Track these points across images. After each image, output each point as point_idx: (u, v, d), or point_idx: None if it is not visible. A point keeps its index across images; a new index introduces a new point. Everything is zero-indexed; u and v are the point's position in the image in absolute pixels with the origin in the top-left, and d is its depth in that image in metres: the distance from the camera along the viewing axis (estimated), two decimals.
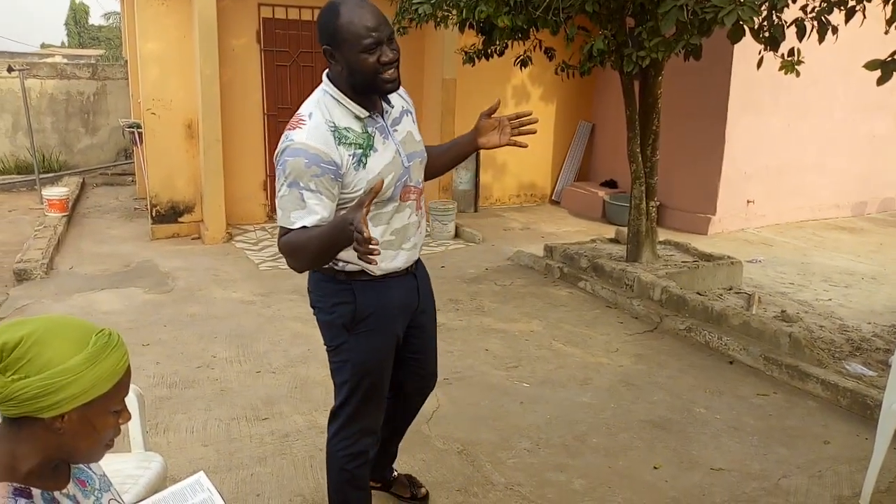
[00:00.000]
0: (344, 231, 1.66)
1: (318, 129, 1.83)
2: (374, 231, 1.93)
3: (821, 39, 4.26)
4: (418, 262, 2.20)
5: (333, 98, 1.90)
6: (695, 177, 7.39)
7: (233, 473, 2.85)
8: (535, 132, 2.11)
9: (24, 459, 1.14)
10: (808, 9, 4.35)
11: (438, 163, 2.27)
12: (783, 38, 4.34)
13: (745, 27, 3.84)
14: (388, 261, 2.03)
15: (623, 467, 2.98)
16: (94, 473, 1.33)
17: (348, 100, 1.89)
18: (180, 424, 3.27)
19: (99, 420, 1.17)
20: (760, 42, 4.49)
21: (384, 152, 1.93)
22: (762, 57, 4.60)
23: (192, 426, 3.26)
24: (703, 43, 4.40)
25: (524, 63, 5.76)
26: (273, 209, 7.54)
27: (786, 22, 4.34)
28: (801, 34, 4.31)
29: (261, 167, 7.43)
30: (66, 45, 31.48)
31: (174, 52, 6.81)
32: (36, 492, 1.14)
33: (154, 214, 7.04)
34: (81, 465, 1.30)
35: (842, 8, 4.32)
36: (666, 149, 6.09)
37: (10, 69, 9.50)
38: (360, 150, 1.87)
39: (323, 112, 1.87)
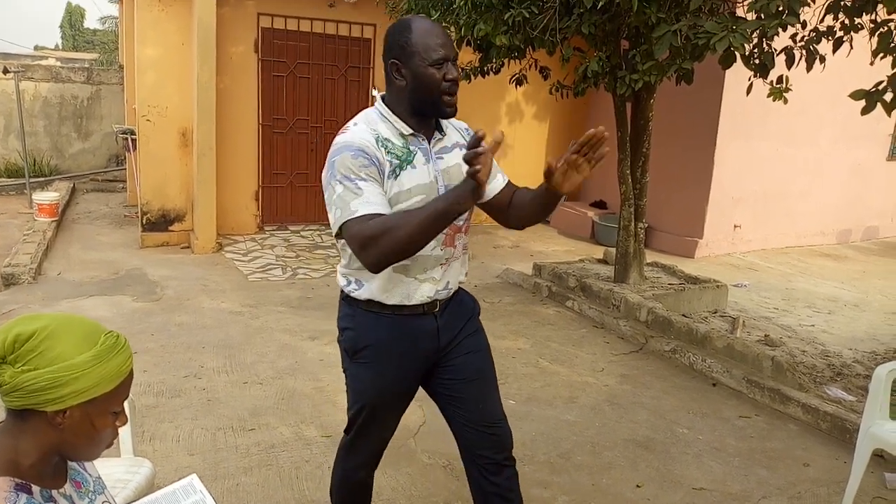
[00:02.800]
0: (466, 184, 1.63)
1: (362, 131, 1.86)
2: None
3: (809, 68, 4.37)
4: (448, 304, 2.01)
5: (381, 114, 1.92)
6: (683, 200, 7.49)
7: (218, 483, 2.85)
8: (607, 151, 1.75)
9: (26, 455, 1.17)
10: (798, 38, 4.47)
11: (522, 213, 2.00)
12: (772, 65, 4.45)
13: (737, 53, 3.94)
14: (398, 289, 1.92)
15: (606, 485, 3.01)
16: (90, 475, 1.35)
17: (395, 117, 1.90)
18: (167, 433, 3.27)
19: (99, 419, 1.20)
20: (750, 68, 4.60)
21: (421, 173, 1.89)
22: (752, 83, 4.71)
23: (179, 435, 3.26)
24: (695, 68, 4.51)
25: (519, 82, 5.86)
26: (264, 220, 7.57)
27: (775, 50, 4.45)
28: (790, 62, 4.42)
29: (253, 177, 7.45)
30: (61, 47, 31.41)
31: (172, 58, 6.84)
32: (35, 488, 1.16)
33: (144, 222, 7.03)
34: (77, 468, 1.32)
35: (830, 38, 4.44)
36: (655, 171, 6.18)
37: (5, 71, 9.48)
38: (398, 162, 1.86)
39: (368, 122, 1.91)
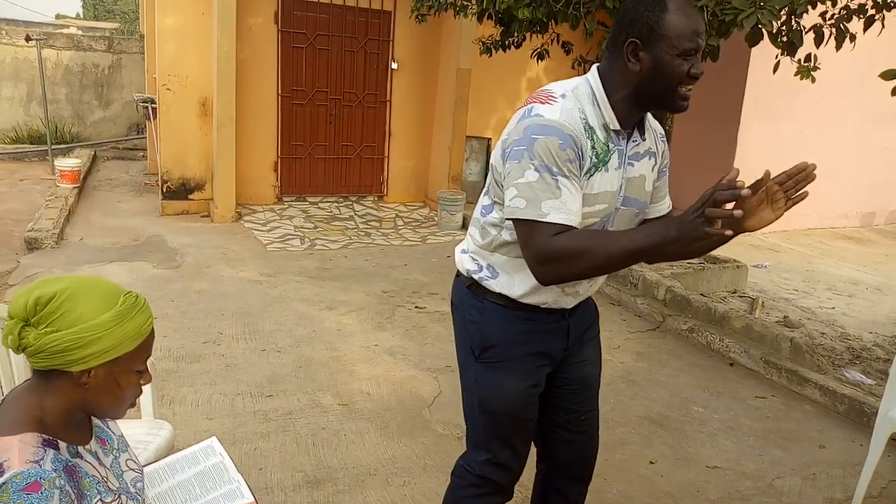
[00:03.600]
0: (692, 224, 1.37)
1: (571, 112, 1.55)
2: None
3: (838, 47, 4.26)
4: (579, 307, 1.83)
5: (593, 92, 1.60)
6: (705, 179, 7.36)
7: (236, 447, 2.90)
8: (807, 194, 1.57)
9: (51, 412, 1.19)
10: (828, 15, 4.36)
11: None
12: (801, 43, 4.34)
13: (764, 31, 3.85)
14: (539, 294, 1.70)
15: (620, 461, 3.02)
16: (114, 434, 1.38)
17: (608, 105, 1.59)
18: (186, 397, 3.33)
19: (123, 378, 1.23)
20: (778, 46, 4.49)
21: (612, 178, 1.62)
22: (779, 61, 4.61)
23: (198, 399, 3.32)
24: (721, 46, 4.41)
25: (541, 56, 5.77)
26: (282, 191, 7.59)
27: (804, 27, 4.34)
28: (818, 40, 4.31)
29: (272, 148, 7.46)
30: (82, 16, 31.45)
31: (192, 28, 6.83)
32: (62, 444, 1.19)
33: (165, 190, 7.08)
34: (102, 426, 1.35)
35: (861, 16, 4.32)
36: (677, 150, 6.11)
37: (27, 38, 9.53)
38: (596, 161, 1.57)
39: (577, 99, 1.58)
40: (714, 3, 3.91)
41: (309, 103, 7.54)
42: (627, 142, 1.65)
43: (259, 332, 4.18)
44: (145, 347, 1.25)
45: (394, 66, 7.76)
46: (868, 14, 4.29)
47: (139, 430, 2.18)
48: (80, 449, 1.24)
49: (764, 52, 5.10)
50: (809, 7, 3.83)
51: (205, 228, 6.62)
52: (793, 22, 4.36)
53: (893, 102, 4.50)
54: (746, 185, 1.42)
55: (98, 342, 1.16)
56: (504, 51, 5.73)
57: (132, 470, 1.36)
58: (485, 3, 4.97)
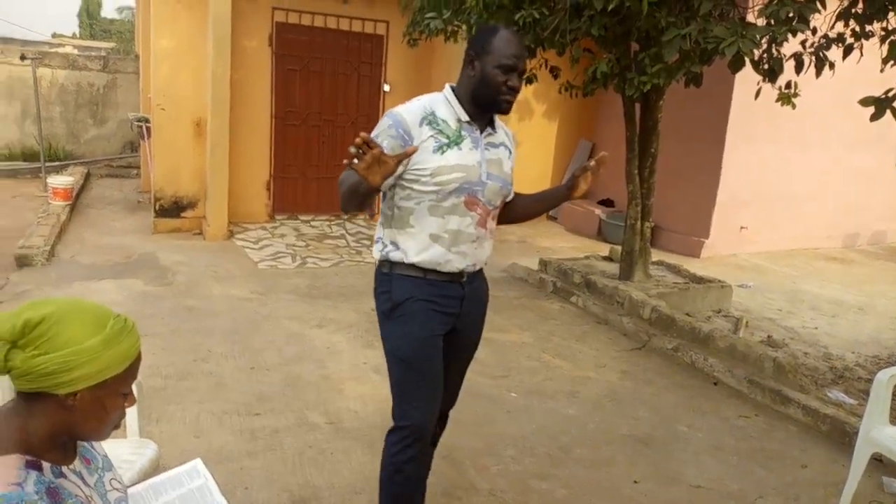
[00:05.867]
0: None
1: (414, 107, 2.10)
2: (429, 221, 2.10)
3: (818, 74, 4.39)
4: (473, 279, 2.24)
5: (445, 98, 2.15)
6: (690, 200, 7.51)
7: (223, 466, 2.92)
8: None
9: (36, 434, 1.20)
10: (808, 44, 4.48)
11: (531, 210, 2.46)
12: (781, 70, 4.46)
13: (746, 58, 3.96)
14: (431, 254, 2.11)
15: (604, 480, 3.05)
16: (98, 454, 1.39)
17: (458, 103, 2.12)
18: (173, 415, 3.34)
19: (109, 400, 1.24)
20: (760, 73, 4.62)
21: (467, 155, 2.10)
22: (760, 88, 4.72)
23: (185, 417, 3.33)
24: (705, 70, 4.53)
25: (529, 80, 5.87)
26: (275, 209, 7.64)
27: (785, 55, 4.46)
28: (799, 68, 4.43)
29: (265, 168, 7.52)
30: (78, 36, 31.60)
31: (187, 49, 6.91)
32: (46, 465, 1.20)
33: (157, 208, 7.12)
34: (87, 445, 1.36)
35: (840, 45, 4.45)
36: (663, 171, 6.20)
37: (22, 57, 9.60)
38: (446, 141, 2.08)
39: (429, 102, 2.12)
40: (697, 32, 4.02)
41: (302, 124, 7.62)
42: (482, 132, 2.15)
43: (248, 349, 4.21)
44: (132, 371, 1.26)
45: (386, 88, 7.86)
46: (847, 43, 4.42)
47: (124, 449, 2.19)
48: (65, 469, 1.24)
49: (748, 78, 5.21)
50: (790, 35, 3.95)
51: (196, 246, 6.66)
52: (773, 50, 4.49)
53: (874, 127, 4.62)
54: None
55: (86, 366, 1.16)
56: None
57: (116, 490, 1.37)
58: (474, 29, 5.08)
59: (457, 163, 2.07)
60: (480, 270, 2.29)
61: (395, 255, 2.15)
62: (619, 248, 5.89)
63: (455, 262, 2.14)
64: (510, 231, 8.16)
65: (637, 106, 5.40)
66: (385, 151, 1.91)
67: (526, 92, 8.28)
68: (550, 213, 9.16)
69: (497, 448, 3.24)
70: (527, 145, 8.82)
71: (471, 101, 2.12)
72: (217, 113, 6.72)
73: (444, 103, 2.13)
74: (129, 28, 27.32)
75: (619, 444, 3.38)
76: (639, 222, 5.51)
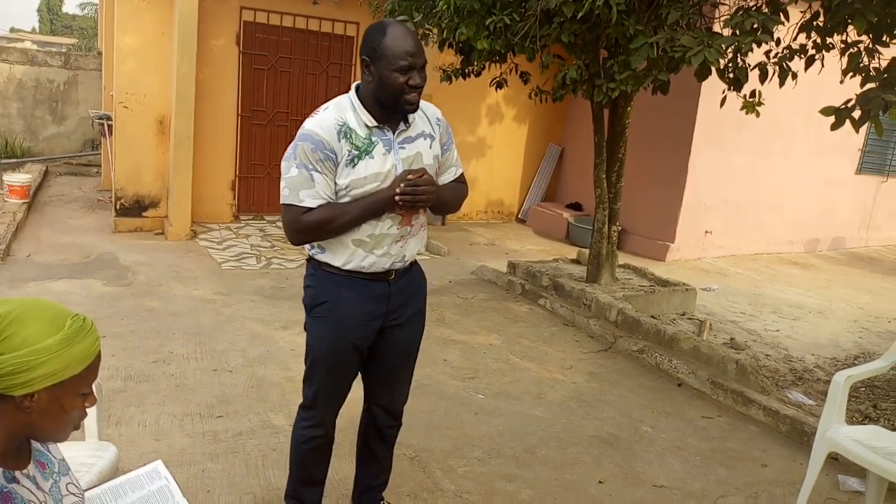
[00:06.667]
0: (386, 200, 2.04)
1: (326, 120, 2.03)
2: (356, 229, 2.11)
3: (781, 83, 4.48)
4: (402, 275, 2.24)
5: (351, 103, 2.07)
6: (656, 205, 7.61)
7: (184, 469, 2.85)
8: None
9: None
10: (772, 54, 4.58)
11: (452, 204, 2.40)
12: (746, 79, 4.55)
13: (712, 67, 4.02)
14: (356, 259, 2.14)
15: (570, 480, 3.06)
16: (54, 457, 1.34)
17: (362, 108, 2.05)
18: (133, 418, 3.26)
19: (68, 401, 1.20)
20: (725, 82, 4.70)
21: (379, 162, 2.06)
22: (725, 96, 4.80)
23: (145, 420, 3.25)
24: (672, 77, 4.59)
25: (500, 85, 5.91)
26: (240, 209, 7.53)
27: (749, 65, 4.55)
28: (763, 77, 4.52)
29: (230, 167, 7.41)
30: (38, 31, 30.85)
31: (152, 47, 6.77)
32: None
33: (118, 207, 6.96)
34: (41, 449, 1.32)
35: (802, 56, 4.55)
36: (630, 176, 6.28)
37: None
38: (357, 152, 2.03)
39: (338, 110, 2.06)
40: (665, 41, 4.08)
41: (269, 123, 7.53)
42: (394, 133, 2.09)
43: (211, 351, 4.13)
44: (92, 370, 1.22)
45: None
46: (809, 54, 4.53)
47: (82, 451, 2.13)
48: (18, 474, 1.20)
49: (714, 86, 5.31)
50: (754, 46, 4.03)
51: (158, 246, 6.52)
52: (738, 60, 4.57)
53: (836, 136, 4.74)
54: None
55: (44, 366, 1.13)
56: (464, 79, 5.84)
57: (73, 494, 1.33)
58: (445, 33, 5.08)
59: (369, 173, 2.04)
60: (412, 265, 2.29)
61: (322, 257, 2.17)
62: (586, 251, 5.94)
63: (380, 264, 2.15)
64: (479, 233, 8.17)
65: (605, 111, 5.46)
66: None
67: (496, 96, 8.31)
68: (519, 215, 9.21)
69: (464, 449, 3.23)
70: (497, 148, 8.87)
71: (378, 104, 2.05)
72: (181, 111, 6.60)
73: (351, 110, 2.06)
74: (91, 24, 26.76)
75: (585, 444, 3.40)
76: (606, 226, 5.57)
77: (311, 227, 2.05)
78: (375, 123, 2.05)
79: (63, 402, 1.19)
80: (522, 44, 4.80)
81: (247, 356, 4.09)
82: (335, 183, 2.05)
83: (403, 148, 2.11)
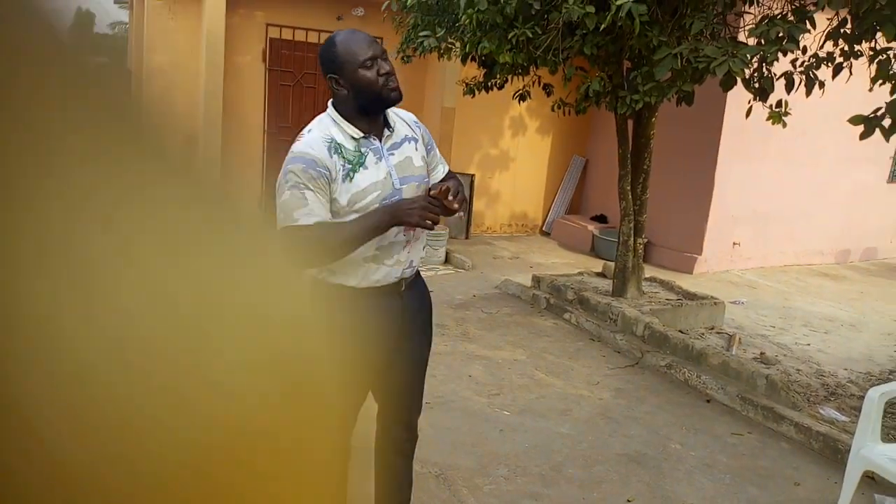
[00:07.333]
0: (400, 210, 1.97)
1: (314, 139, 2.02)
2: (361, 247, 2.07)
3: (808, 93, 4.42)
4: (412, 285, 2.23)
5: (332, 119, 2.07)
6: (683, 217, 7.54)
7: None
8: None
9: None
10: (798, 63, 4.53)
11: None
12: (772, 89, 4.50)
13: (737, 77, 3.99)
14: (370, 275, 2.10)
15: (597, 499, 3.03)
16: None
17: (345, 121, 2.04)
18: None
19: None
20: (751, 92, 4.66)
21: (374, 171, 2.05)
22: (751, 106, 4.76)
23: None
24: (697, 88, 4.56)
25: (523, 97, 5.92)
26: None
27: (775, 74, 4.50)
28: (789, 87, 4.47)
29: (257, 183, 7.51)
30: None
31: (180, 65, 6.93)
32: None
33: None
34: None
35: (829, 64, 4.50)
36: (656, 188, 6.23)
37: None
38: (350, 166, 2.02)
39: (322, 128, 2.05)
40: (688, 52, 4.06)
41: (295, 141, 7.63)
42: (380, 140, 2.08)
43: None
44: None
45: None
46: (836, 62, 4.47)
47: None
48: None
49: (739, 96, 5.26)
50: (780, 55, 3.99)
51: None
52: (764, 69, 4.53)
53: (865, 144, 4.66)
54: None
55: None
56: (487, 92, 5.87)
57: None
58: (468, 47, 5.11)
59: (368, 183, 2.02)
60: (417, 272, 2.28)
61: (333, 280, 2.10)
62: (612, 264, 5.90)
63: (393, 273, 2.12)
64: (503, 247, 8.16)
65: (629, 123, 5.44)
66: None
67: (519, 108, 8.33)
68: (543, 228, 9.18)
69: (489, 467, 3.21)
70: (520, 161, 8.87)
71: (360, 115, 2.04)
72: (208, 128, 6.73)
73: (335, 126, 2.05)
74: (121, 44, 27.40)
75: (612, 462, 3.36)
76: (632, 238, 5.53)
77: (314, 244, 1.99)
78: (362, 134, 2.04)
79: None
80: (545, 57, 4.81)
81: None
82: (330, 202, 2.00)
83: (393, 154, 2.11)
